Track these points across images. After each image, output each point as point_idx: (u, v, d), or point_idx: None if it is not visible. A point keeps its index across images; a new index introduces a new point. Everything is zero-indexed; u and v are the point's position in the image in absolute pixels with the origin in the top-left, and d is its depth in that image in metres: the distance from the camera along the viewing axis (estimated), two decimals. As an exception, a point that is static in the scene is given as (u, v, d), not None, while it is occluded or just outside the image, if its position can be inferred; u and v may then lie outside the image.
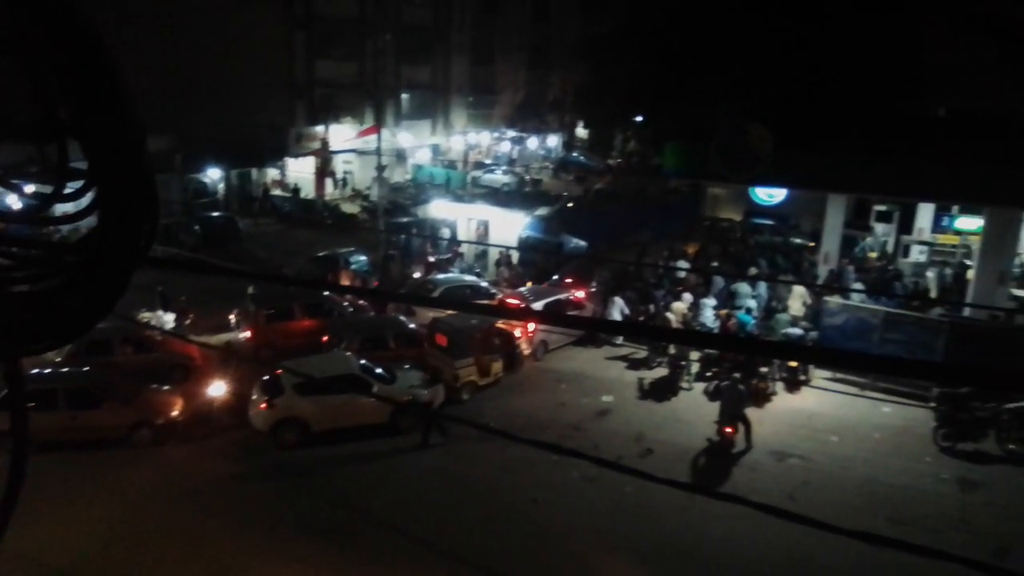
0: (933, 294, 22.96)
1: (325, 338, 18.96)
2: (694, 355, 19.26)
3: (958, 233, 25.83)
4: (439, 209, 30.20)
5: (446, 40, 47.87)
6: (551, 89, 56.60)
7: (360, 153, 39.74)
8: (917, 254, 26.02)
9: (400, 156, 44.26)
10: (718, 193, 35.40)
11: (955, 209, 25.87)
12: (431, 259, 26.11)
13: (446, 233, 28.79)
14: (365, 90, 39.36)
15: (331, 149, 39.94)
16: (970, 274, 21.67)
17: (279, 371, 16.22)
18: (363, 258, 26.23)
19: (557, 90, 55.73)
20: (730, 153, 17.39)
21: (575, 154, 55.70)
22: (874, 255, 25.78)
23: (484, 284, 23.24)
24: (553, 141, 58.26)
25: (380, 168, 30.43)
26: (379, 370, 16.67)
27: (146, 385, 16.45)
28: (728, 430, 15.79)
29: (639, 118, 45.11)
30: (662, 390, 18.70)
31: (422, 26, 45.98)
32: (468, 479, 14.55)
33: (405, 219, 31.84)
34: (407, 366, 17.72)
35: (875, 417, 17.53)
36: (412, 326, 19.68)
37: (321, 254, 26.16)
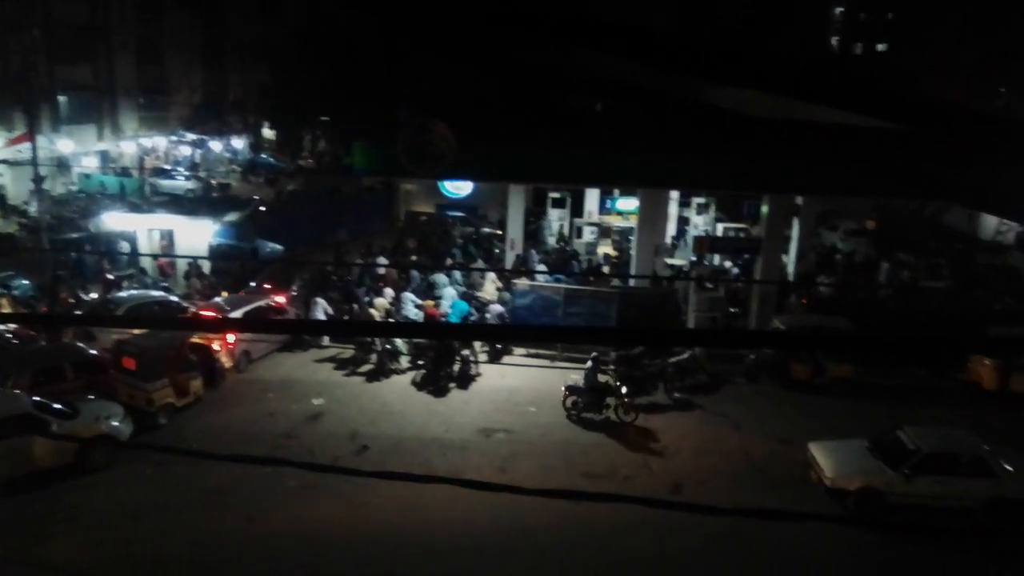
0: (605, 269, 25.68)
1: (-15, 377, 16.58)
2: (402, 345, 19.80)
3: (620, 214, 29.12)
4: (115, 221, 27.65)
5: (107, 38, 43.74)
6: (232, 89, 54.13)
7: (12, 164, 35.00)
8: (589, 234, 28.95)
9: (63, 165, 39.77)
10: (411, 189, 36.40)
11: (616, 192, 29.12)
12: (109, 276, 23.87)
13: (125, 247, 26.47)
14: (11, 93, 34.71)
15: (-27, 161, 34.71)
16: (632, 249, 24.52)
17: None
18: (25, 282, 23.26)
19: (238, 90, 53.43)
20: (415, 150, 18.00)
21: (263, 156, 53.94)
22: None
23: (174, 298, 21.77)
24: (239, 143, 55.84)
25: (38, 179, 27.12)
26: (58, 405, 15.00)
27: None
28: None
29: (326, 117, 44.82)
30: (374, 383, 19.01)
31: (77, 23, 41.56)
32: (173, 509, 13.60)
33: (75, 235, 28.72)
34: (91, 396, 16.14)
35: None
36: (93, 352, 17.87)
37: (-31, 281, 22.73)
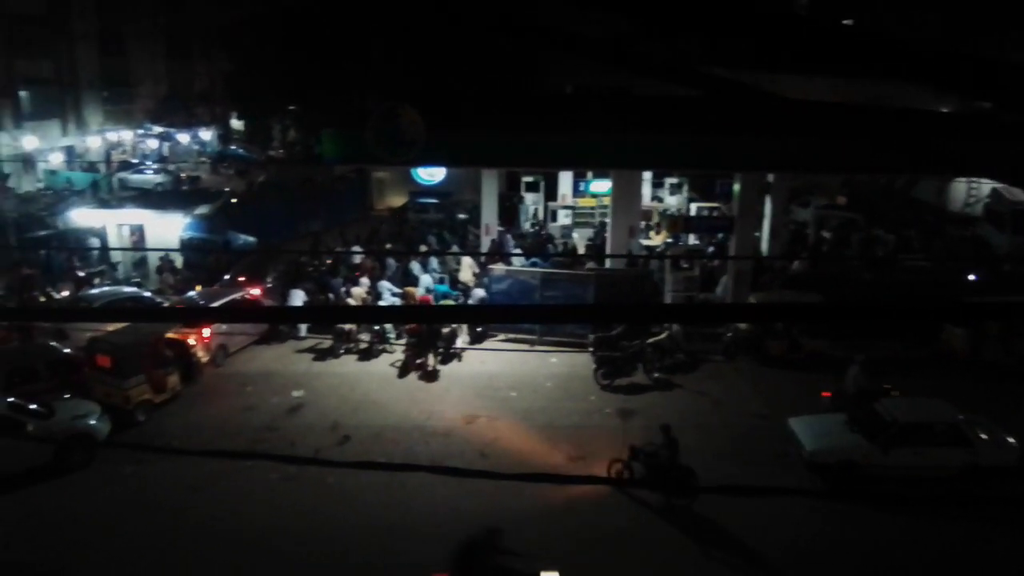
0: (581, 251, 25.72)
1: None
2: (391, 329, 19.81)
3: (594, 196, 29.13)
4: (84, 217, 27.24)
5: (67, 29, 42.81)
6: (197, 79, 53.33)
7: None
8: (563, 217, 28.95)
9: (27, 162, 39.04)
10: (383, 177, 36.14)
11: (589, 175, 29.11)
12: (80, 274, 23.52)
13: (95, 243, 26.11)
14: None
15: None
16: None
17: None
18: (-7, 282, 22.89)
19: (204, 80, 52.62)
20: (384, 136, 17.87)
21: (233, 147, 53.25)
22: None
23: (147, 294, 21.52)
24: (207, 134, 55.09)
25: (2, 177, 26.66)
26: (33, 406, 14.81)
27: None
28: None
29: (294, 106, 44.26)
30: (354, 371, 18.93)
31: (34, 15, 40.62)
32: (155, 507, 13.50)
33: (43, 232, 28.23)
34: (67, 395, 15.94)
35: (545, 368, 19.32)
36: (67, 351, 17.63)
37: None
